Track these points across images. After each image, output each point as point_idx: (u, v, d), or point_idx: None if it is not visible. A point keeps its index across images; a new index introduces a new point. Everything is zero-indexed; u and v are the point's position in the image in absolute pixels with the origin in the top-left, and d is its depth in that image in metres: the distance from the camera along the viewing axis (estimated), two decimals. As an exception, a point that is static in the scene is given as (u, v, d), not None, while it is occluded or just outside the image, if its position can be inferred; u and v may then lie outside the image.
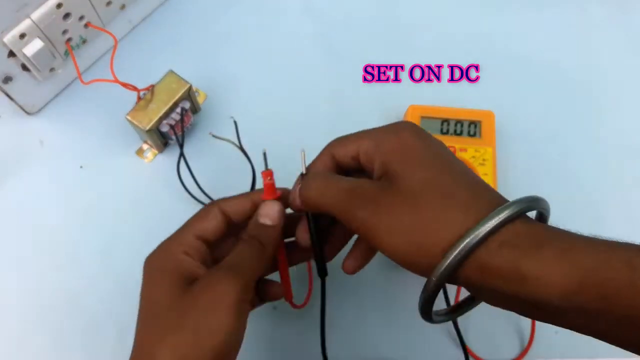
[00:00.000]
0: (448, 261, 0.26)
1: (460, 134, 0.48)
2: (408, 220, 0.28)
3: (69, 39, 0.46)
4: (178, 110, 0.45)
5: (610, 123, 0.53)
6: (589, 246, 0.25)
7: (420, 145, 0.30)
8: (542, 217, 0.29)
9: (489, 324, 0.45)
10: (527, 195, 0.27)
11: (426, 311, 0.30)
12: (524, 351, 0.44)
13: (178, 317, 0.29)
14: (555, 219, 0.46)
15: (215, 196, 0.47)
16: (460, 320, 0.44)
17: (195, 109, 0.49)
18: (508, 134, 0.51)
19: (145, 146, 0.49)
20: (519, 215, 0.27)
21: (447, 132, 0.48)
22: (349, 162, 0.33)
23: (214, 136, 0.42)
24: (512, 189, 0.49)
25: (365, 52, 0.54)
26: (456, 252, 0.26)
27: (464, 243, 0.26)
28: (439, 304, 0.30)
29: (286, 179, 0.49)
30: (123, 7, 0.50)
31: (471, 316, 0.45)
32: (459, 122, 0.48)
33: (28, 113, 0.49)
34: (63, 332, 0.44)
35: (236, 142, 0.44)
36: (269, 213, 0.34)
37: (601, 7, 0.58)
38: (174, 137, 0.46)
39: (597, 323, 0.25)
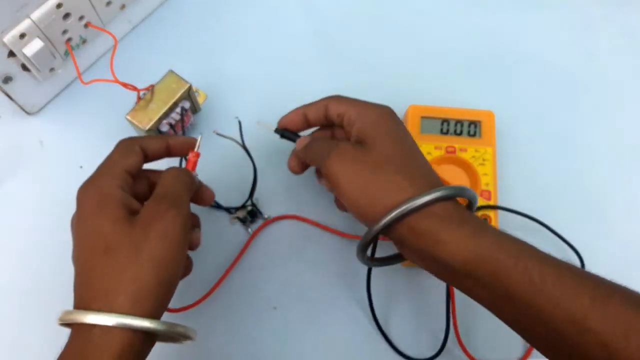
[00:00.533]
0: (389, 217, 0.33)
1: (460, 133, 0.48)
2: (368, 177, 0.34)
3: (69, 39, 0.46)
4: (178, 110, 0.45)
5: (610, 123, 0.53)
6: (495, 235, 0.32)
7: (393, 127, 0.37)
8: (470, 204, 0.36)
9: (491, 326, 0.45)
10: (459, 186, 0.34)
11: (362, 254, 0.37)
12: (526, 353, 0.44)
13: (132, 251, 0.31)
14: (555, 219, 0.47)
15: (216, 197, 0.47)
16: (463, 322, 0.44)
17: (195, 108, 0.49)
18: (508, 133, 0.51)
19: (145, 146, 0.49)
20: (451, 198, 0.33)
21: (447, 132, 0.48)
22: (334, 118, 0.39)
23: (218, 134, 0.43)
24: (512, 189, 0.49)
25: (365, 52, 0.54)
26: (397, 211, 0.32)
27: (404, 207, 0.32)
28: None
29: (288, 178, 0.49)
30: (123, 7, 0.50)
31: (476, 319, 0.45)
32: (459, 122, 0.48)
33: (28, 113, 0.49)
34: (66, 332, 0.44)
35: (239, 140, 0.44)
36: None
37: (601, 7, 0.58)
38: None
39: (487, 294, 0.31)
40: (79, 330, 0.31)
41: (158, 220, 0.33)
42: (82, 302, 0.32)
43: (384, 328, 0.45)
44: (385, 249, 0.40)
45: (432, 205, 0.32)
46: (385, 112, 0.38)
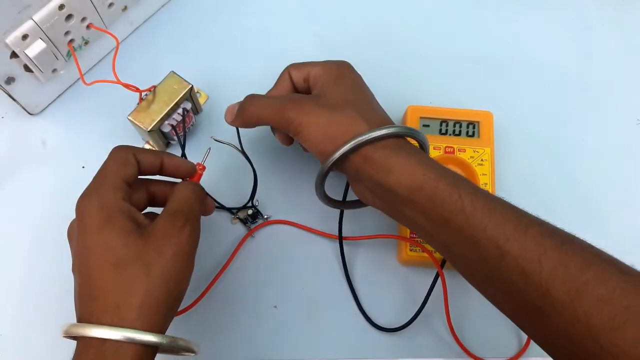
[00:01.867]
0: (348, 145, 0.35)
1: (459, 134, 0.48)
2: (326, 119, 0.37)
3: (71, 40, 0.46)
4: (180, 111, 0.46)
5: (610, 123, 0.53)
6: (437, 167, 0.35)
7: (352, 77, 0.40)
8: (422, 146, 0.39)
9: (486, 323, 0.45)
10: (413, 127, 0.38)
11: (320, 188, 0.40)
12: (522, 350, 0.45)
13: (144, 266, 0.32)
14: (555, 219, 0.47)
15: (216, 196, 0.47)
16: (458, 319, 0.44)
17: (196, 109, 0.49)
18: (506, 134, 0.51)
19: (147, 147, 0.49)
20: (404, 137, 0.37)
21: (445, 133, 0.49)
22: (301, 84, 0.41)
23: (215, 140, 0.43)
24: (511, 189, 0.50)
25: (364, 53, 0.54)
26: (354, 141, 0.35)
27: (361, 137, 0.35)
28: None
29: (286, 179, 0.50)
30: (125, 8, 0.50)
31: (469, 315, 0.45)
32: (457, 122, 0.49)
33: (30, 114, 0.50)
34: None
35: (237, 145, 0.44)
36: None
37: (600, 8, 0.58)
38: (175, 137, 0.46)
39: (424, 220, 0.34)
40: (89, 344, 0.31)
41: (172, 237, 0.33)
42: (92, 315, 0.31)
43: (383, 326, 0.45)
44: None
45: (385, 139, 0.36)
46: (345, 66, 0.41)
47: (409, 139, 0.38)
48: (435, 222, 0.34)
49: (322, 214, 0.47)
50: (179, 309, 0.35)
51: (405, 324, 0.44)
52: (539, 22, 0.57)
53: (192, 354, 0.35)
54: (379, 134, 0.35)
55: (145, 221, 0.35)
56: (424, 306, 0.44)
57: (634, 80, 0.55)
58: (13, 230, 0.47)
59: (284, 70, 0.43)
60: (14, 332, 0.44)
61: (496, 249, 0.31)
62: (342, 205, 0.44)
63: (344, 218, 0.46)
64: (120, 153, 0.36)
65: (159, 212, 0.36)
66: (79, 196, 0.35)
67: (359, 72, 0.41)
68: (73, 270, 0.34)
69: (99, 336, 0.30)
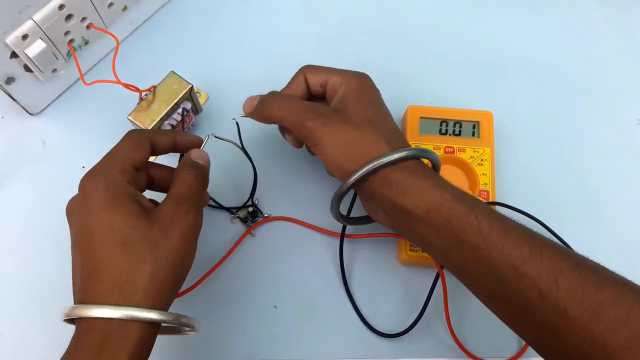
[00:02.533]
0: (369, 166, 0.36)
1: (459, 134, 0.49)
2: (349, 136, 0.37)
3: (71, 40, 0.46)
4: (179, 111, 0.46)
5: (608, 123, 0.53)
6: (453, 189, 0.35)
7: (373, 93, 0.40)
8: (434, 165, 0.39)
9: (486, 323, 0.45)
10: (426, 148, 0.38)
11: (335, 206, 0.40)
12: (522, 350, 0.45)
13: (150, 247, 0.32)
14: (553, 219, 0.47)
15: (216, 196, 0.48)
16: (457, 319, 0.44)
17: (196, 109, 0.49)
18: (506, 134, 0.51)
19: (146, 146, 0.49)
20: (419, 158, 0.37)
21: (445, 133, 0.49)
22: (316, 88, 0.41)
23: (216, 137, 0.43)
24: (511, 189, 0.50)
25: (365, 53, 0.54)
26: (375, 162, 0.36)
27: (382, 159, 0.36)
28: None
29: (286, 177, 0.50)
30: (125, 8, 0.50)
31: (469, 315, 0.45)
32: (457, 122, 0.49)
33: (30, 114, 0.50)
34: (67, 332, 0.44)
35: (238, 142, 0.45)
36: (202, 156, 0.39)
37: (600, 8, 0.58)
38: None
39: (440, 240, 0.35)
40: (93, 325, 0.31)
41: (179, 221, 0.34)
42: (97, 295, 0.31)
43: (382, 331, 0.45)
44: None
45: (403, 161, 0.36)
46: (366, 79, 0.41)
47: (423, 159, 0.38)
48: (451, 242, 0.34)
49: (322, 212, 0.47)
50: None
51: (405, 330, 0.44)
52: (539, 22, 0.57)
53: (193, 332, 0.36)
54: (399, 156, 0.36)
55: (150, 205, 0.35)
56: (424, 310, 0.44)
57: (634, 80, 0.55)
58: (13, 230, 0.47)
59: (299, 72, 0.42)
60: (14, 332, 0.44)
61: (513, 270, 0.32)
62: (355, 222, 0.44)
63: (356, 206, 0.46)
64: (135, 137, 0.37)
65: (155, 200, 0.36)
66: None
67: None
68: (74, 249, 0.34)
69: (106, 316, 0.30)
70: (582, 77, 0.55)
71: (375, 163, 0.35)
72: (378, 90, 0.41)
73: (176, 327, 0.36)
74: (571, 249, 0.47)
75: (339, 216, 0.42)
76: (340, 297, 0.46)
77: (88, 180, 0.34)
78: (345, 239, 0.47)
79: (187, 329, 0.36)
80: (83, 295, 0.32)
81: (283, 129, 0.44)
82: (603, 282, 0.30)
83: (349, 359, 0.45)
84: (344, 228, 0.46)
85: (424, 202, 0.35)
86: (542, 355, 0.34)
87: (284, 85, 0.43)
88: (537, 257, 0.31)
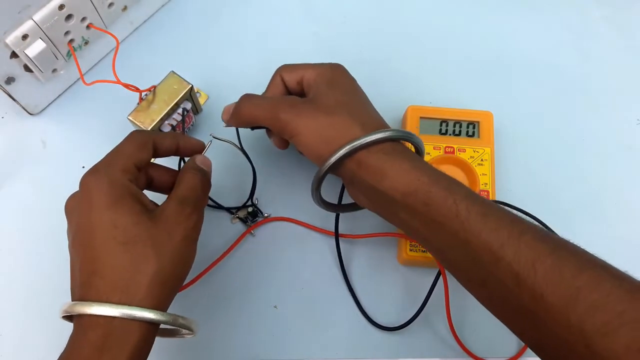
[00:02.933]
0: (342, 150, 0.35)
1: (459, 134, 0.49)
2: (321, 122, 0.37)
3: (71, 40, 0.46)
4: (179, 111, 0.46)
5: (608, 123, 0.53)
6: (432, 172, 0.35)
7: (346, 81, 0.40)
8: (418, 149, 0.39)
9: (486, 323, 0.45)
10: (409, 131, 0.38)
11: (316, 192, 0.40)
12: (522, 350, 0.45)
13: (153, 247, 0.33)
14: (555, 218, 0.47)
15: (216, 196, 0.48)
16: (457, 318, 0.44)
17: (196, 109, 0.49)
18: (506, 134, 0.51)
19: (146, 146, 0.49)
20: (399, 140, 0.37)
21: (445, 133, 0.49)
22: (294, 87, 0.41)
23: (214, 138, 0.43)
24: (511, 189, 0.50)
25: (364, 53, 0.54)
26: (349, 146, 0.35)
27: (356, 142, 0.35)
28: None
29: (285, 177, 0.50)
30: (125, 8, 0.50)
31: (469, 315, 0.45)
32: (457, 122, 0.49)
33: (30, 114, 0.50)
34: (67, 332, 0.44)
35: (237, 143, 0.45)
36: (206, 162, 0.40)
37: (600, 8, 0.58)
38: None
39: (419, 224, 0.34)
40: (95, 323, 0.31)
41: (182, 222, 0.34)
42: (99, 293, 0.31)
43: (381, 323, 0.45)
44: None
45: (380, 144, 0.36)
46: (339, 68, 0.41)
47: (405, 142, 0.38)
48: (430, 226, 0.34)
49: (322, 211, 0.47)
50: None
51: (406, 322, 0.44)
52: (539, 22, 0.57)
53: (191, 335, 0.36)
54: (374, 139, 0.35)
55: (152, 205, 0.36)
56: (424, 305, 0.44)
57: (634, 80, 0.55)
58: (13, 230, 0.47)
59: (275, 73, 0.42)
60: (14, 332, 0.44)
61: (490, 254, 0.31)
62: (337, 208, 0.44)
63: (344, 216, 0.46)
64: (139, 137, 0.37)
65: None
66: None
67: (359, 72, 0.41)
68: (73, 246, 0.34)
69: (108, 314, 0.30)
70: (582, 77, 0.55)
71: (349, 147, 0.35)
72: (353, 79, 0.41)
73: (174, 330, 0.36)
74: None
75: (321, 202, 0.42)
76: (340, 297, 0.46)
77: (90, 177, 0.34)
78: (345, 239, 0.47)
79: (184, 331, 0.35)
80: (83, 293, 0.32)
81: (268, 132, 0.44)
82: (582, 266, 0.30)
83: (350, 358, 0.45)
84: (337, 226, 0.46)
85: (401, 185, 0.34)
86: (524, 341, 0.34)
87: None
88: (515, 241, 0.31)
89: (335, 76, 0.40)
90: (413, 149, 0.39)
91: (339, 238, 0.47)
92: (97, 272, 0.32)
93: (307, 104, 0.38)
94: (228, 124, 0.42)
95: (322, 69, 0.40)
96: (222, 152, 0.46)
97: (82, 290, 0.32)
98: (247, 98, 0.41)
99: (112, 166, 0.35)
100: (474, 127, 0.49)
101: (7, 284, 0.45)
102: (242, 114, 0.41)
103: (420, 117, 0.49)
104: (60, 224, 0.46)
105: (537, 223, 0.46)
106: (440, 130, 0.49)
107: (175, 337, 0.37)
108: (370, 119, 0.38)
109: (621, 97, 0.54)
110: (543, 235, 0.32)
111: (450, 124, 0.49)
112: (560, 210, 0.49)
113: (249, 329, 0.45)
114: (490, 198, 0.46)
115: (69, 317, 0.33)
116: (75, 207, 0.34)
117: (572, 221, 0.49)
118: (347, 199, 0.43)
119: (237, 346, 0.44)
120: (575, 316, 0.28)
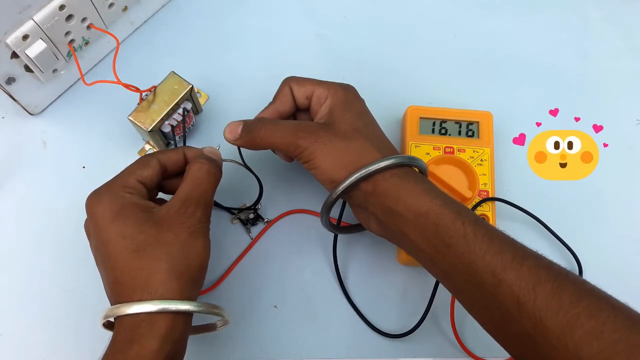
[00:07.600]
0: (357, 174, 0.37)
1: (459, 134, 0.49)
2: (339, 147, 0.38)
3: (72, 41, 0.46)
4: (180, 111, 0.46)
5: (609, 123, 0.53)
6: (441, 195, 0.36)
7: (359, 104, 0.41)
8: (422, 172, 0.40)
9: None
10: (413, 156, 0.39)
11: (326, 215, 0.40)
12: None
13: (163, 247, 0.35)
14: (553, 219, 0.47)
15: (216, 196, 0.47)
16: (457, 318, 0.44)
17: (197, 109, 0.49)
18: (506, 134, 0.51)
19: (147, 147, 0.49)
20: (408, 165, 0.38)
21: (445, 133, 0.49)
22: (303, 101, 0.42)
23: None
24: (510, 189, 0.50)
25: (364, 53, 0.54)
26: (364, 170, 0.37)
27: (372, 167, 0.36)
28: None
29: (286, 181, 0.50)
30: (125, 9, 0.50)
31: (469, 315, 0.45)
32: (457, 122, 0.49)
33: (31, 114, 0.50)
34: (67, 332, 0.44)
35: (239, 160, 0.44)
36: (215, 152, 0.41)
37: (600, 8, 0.58)
38: (176, 137, 0.46)
39: (427, 245, 0.35)
40: (123, 323, 0.33)
41: (185, 222, 0.36)
42: (122, 297, 0.34)
43: (380, 325, 0.45)
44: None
45: (393, 168, 0.37)
46: (352, 90, 0.42)
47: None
48: (438, 247, 0.35)
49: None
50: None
51: (409, 331, 0.44)
52: (538, 21, 0.57)
53: (225, 325, 0.39)
54: (389, 164, 0.37)
55: (156, 206, 0.37)
56: (428, 311, 0.44)
57: (634, 80, 0.55)
58: (13, 230, 0.47)
59: (284, 84, 0.42)
60: (14, 332, 0.44)
61: (493, 277, 0.32)
62: (343, 230, 0.45)
63: (345, 216, 0.46)
64: (141, 158, 0.40)
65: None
66: (82, 196, 0.37)
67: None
68: (96, 263, 0.37)
69: (131, 312, 0.33)
70: (582, 77, 0.55)
71: (367, 169, 0.36)
72: (363, 101, 0.42)
73: (210, 325, 0.40)
74: (570, 249, 0.47)
75: (329, 225, 0.42)
76: (340, 297, 0.46)
77: (92, 198, 0.36)
78: (344, 239, 0.47)
79: (219, 323, 0.39)
80: (114, 302, 0.35)
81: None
82: (581, 294, 0.30)
83: (349, 359, 0.45)
84: (335, 242, 0.46)
85: (414, 206, 0.36)
86: None
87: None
88: (518, 265, 0.32)
89: (349, 99, 0.41)
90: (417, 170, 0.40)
91: (338, 238, 0.47)
92: (119, 281, 0.34)
93: (325, 131, 0.38)
94: (234, 143, 0.41)
95: (334, 90, 0.41)
96: (221, 151, 0.46)
97: (112, 300, 0.35)
98: (261, 124, 0.40)
99: (111, 185, 0.37)
100: (473, 128, 0.49)
101: (7, 284, 0.45)
102: (257, 139, 0.40)
103: (420, 117, 0.49)
104: (60, 224, 0.47)
105: (555, 238, 0.47)
106: (440, 130, 0.49)
107: (210, 331, 0.40)
108: (384, 142, 0.40)
109: (621, 97, 0.54)
110: (545, 262, 0.33)
111: (450, 124, 0.49)
112: (560, 210, 0.49)
113: (249, 329, 0.45)
114: (490, 197, 0.46)
115: (109, 326, 0.36)
116: (88, 229, 0.37)
117: (572, 221, 0.49)
118: (347, 220, 0.43)
119: (237, 346, 0.44)
120: (572, 343, 0.29)
